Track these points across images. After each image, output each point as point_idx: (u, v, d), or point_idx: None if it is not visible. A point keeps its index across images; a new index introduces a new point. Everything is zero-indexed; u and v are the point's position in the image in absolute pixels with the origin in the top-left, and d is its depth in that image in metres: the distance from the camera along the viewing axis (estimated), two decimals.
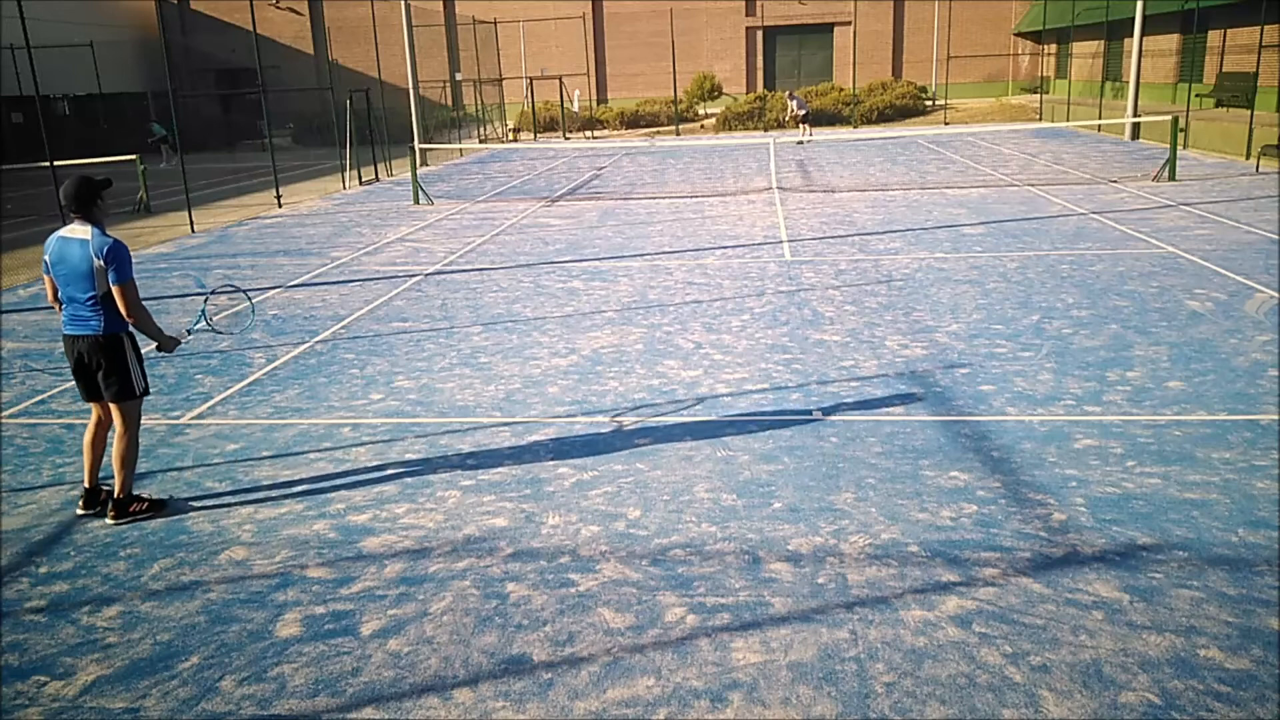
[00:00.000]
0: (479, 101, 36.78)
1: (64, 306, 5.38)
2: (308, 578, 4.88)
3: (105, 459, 5.78)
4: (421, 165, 23.65)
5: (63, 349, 5.50)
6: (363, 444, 6.63)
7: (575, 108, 39.84)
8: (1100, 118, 28.73)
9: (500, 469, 6.13)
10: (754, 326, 9.23)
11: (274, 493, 5.90)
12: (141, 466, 6.38)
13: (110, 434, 5.64)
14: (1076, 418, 6.55)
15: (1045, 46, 42.47)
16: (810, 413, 6.88)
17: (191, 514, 5.66)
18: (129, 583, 4.90)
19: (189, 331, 6.05)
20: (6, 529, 5.59)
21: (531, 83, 38.41)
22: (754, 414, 6.90)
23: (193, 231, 17.01)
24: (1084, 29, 35.45)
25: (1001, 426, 6.45)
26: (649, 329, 9.30)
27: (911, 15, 43.66)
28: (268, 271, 13.10)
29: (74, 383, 5.62)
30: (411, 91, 25.46)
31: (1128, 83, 26.48)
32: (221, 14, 42.73)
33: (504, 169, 26.69)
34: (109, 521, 5.55)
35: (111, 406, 5.46)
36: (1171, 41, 31.09)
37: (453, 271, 12.57)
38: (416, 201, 19.64)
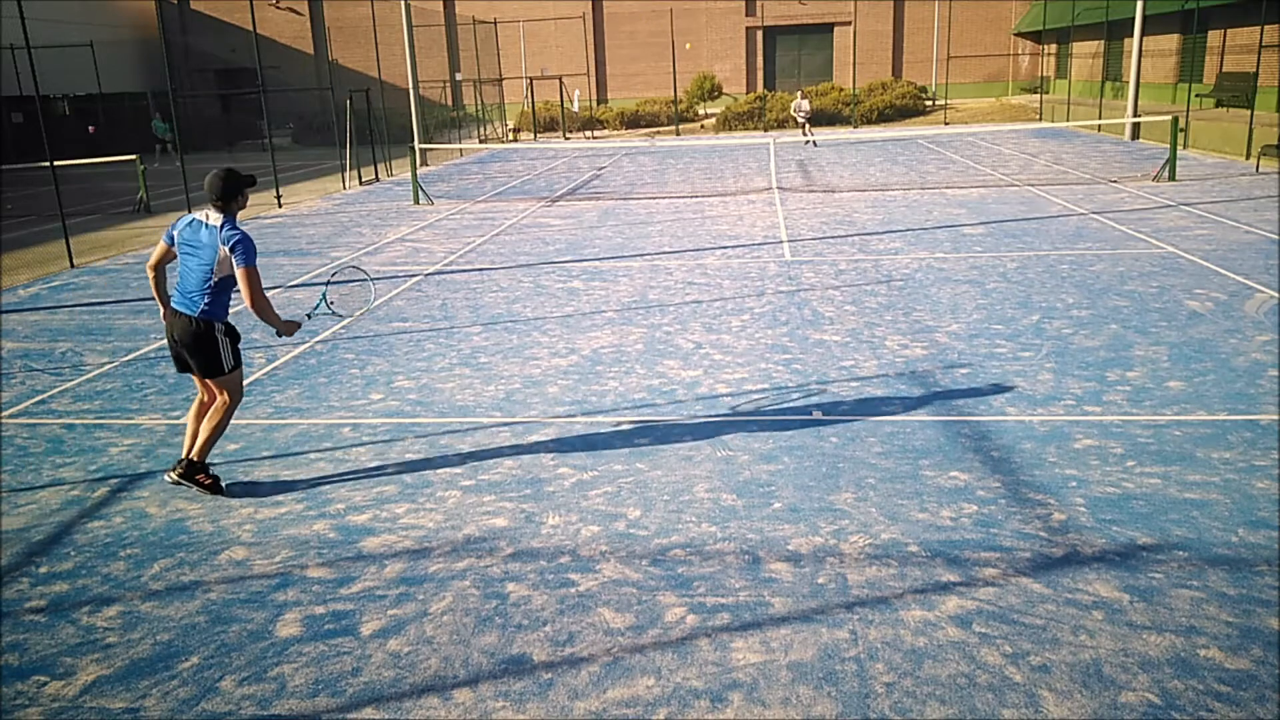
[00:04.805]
0: (479, 101, 36.78)
1: (178, 283, 5.58)
2: (308, 578, 4.88)
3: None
4: (421, 165, 23.64)
5: (165, 321, 5.70)
6: (363, 444, 6.63)
7: (575, 108, 39.83)
8: (1100, 118, 28.74)
9: (500, 469, 6.13)
10: (754, 326, 9.23)
11: (274, 493, 5.90)
12: (141, 467, 6.39)
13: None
14: (1076, 418, 6.55)
15: (1045, 46, 42.47)
16: (810, 413, 6.88)
17: (191, 514, 5.66)
18: (129, 583, 4.90)
19: (309, 315, 6.14)
20: (6, 529, 5.59)
21: (531, 83, 38.42)
22: (754, 414, 6.90)
23: None
24: (1084, 29, 35.46)
25: (1001, 426, 6.45)
26: (649, 329, 9.30)
27: (911, 15, 43.66)
28: (268, 271, 13.10)
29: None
30: (411, 91, 25.47)
31: (1128, 83, 26.48)
32: (221, 14, 42.73)
33: (504, 169, 26.69)
34: (170, 477, 5.79)
35: (208, 381, 5.71)
36: (1171, 41, 31.10)
37: (453, 271, 12.57)
38: (416, 201, 19.64)
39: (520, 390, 7.64)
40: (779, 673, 3.95)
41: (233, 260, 5.38)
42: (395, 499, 5.75)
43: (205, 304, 5.51)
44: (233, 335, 5.67)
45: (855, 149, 27.59)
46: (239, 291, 5.53)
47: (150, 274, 5.74)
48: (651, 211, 17.30)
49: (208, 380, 5.71)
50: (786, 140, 29.40)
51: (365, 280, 6.39)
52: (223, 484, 5.89)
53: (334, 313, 6.24)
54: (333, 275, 6.14)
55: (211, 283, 5.48)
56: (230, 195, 5.46)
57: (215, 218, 5.48)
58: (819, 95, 38.49)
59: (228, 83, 42.87)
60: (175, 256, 5.63)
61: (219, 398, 5.73)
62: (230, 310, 5.71)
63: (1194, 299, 9.53)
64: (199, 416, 5.89)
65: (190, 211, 5.73)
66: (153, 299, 9.05)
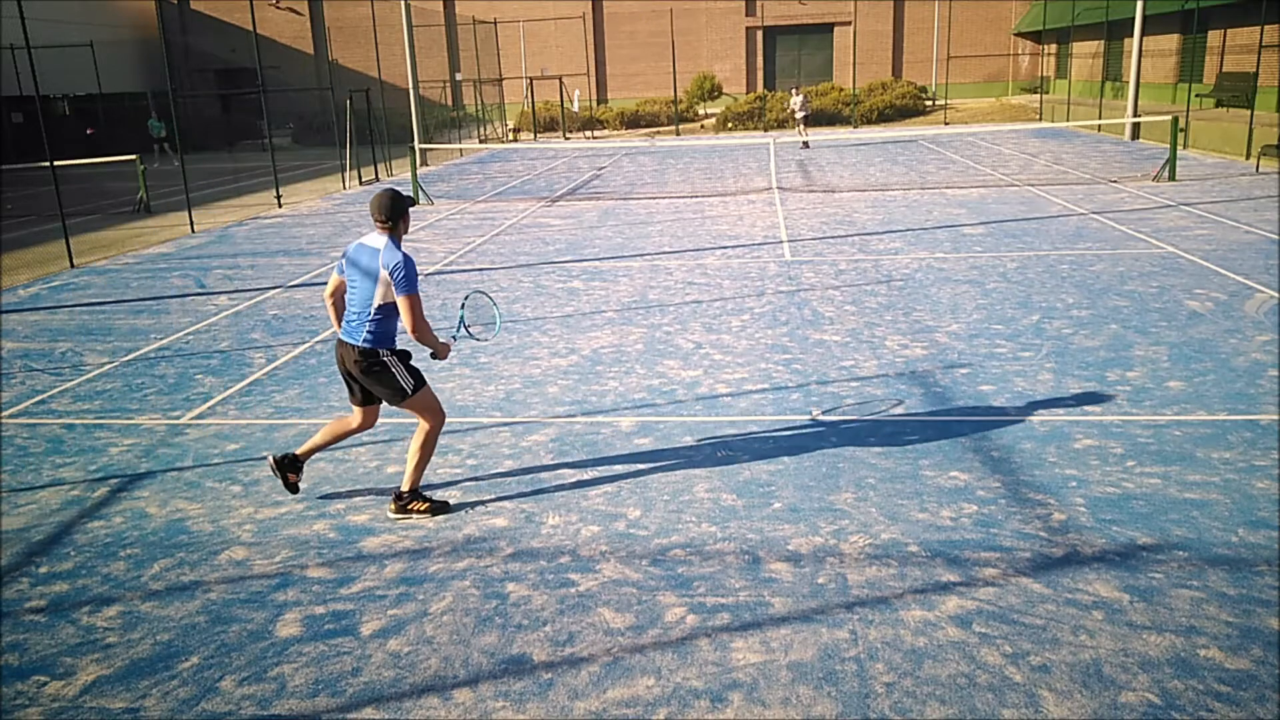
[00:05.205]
0: (479, 101, 36.78)
1: (345, 311, 5.37)
2: (308, 578, 4.88)
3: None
4: (421, 165, 23.65)
5: (333, 352, 5.52)
6: (363, 444, 6.62)
7: (575, 108, 39.84)
8: (1100, 118, 28.74)
9: (500, 469, 6.13)
10: (754, 326, 9.23)
11: (274, 493, 5.90)
12: (141, 467, 6.39)
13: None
14: (1076, 418, 6.55)
15: (1045, 46, 42.47)
16: (810, 413, 6.88)
17: (191, 514, 5.66)
18: (129, 583, 4.90)
19: (454, 337, 5.82)
20: (6, 529, 5.59)
21: (531, 83, 38.42)
22: (754, 414, 6.90)
23: (193, 231, 17.01)
24: (1084, 29, 35.46)
25: (1001, 426, 6.45)
26: (649, 329, 9.30)
27: (911, 15, 43.66)
28: (268, 271, 13.10)
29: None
30: (411, 91, 25.47)
31: (1128, 83, 26.48)
32: (221, 14, 42.74)
33: (504, 169, 26.69)
34: (389, 511, 5.53)
35: (407, 409, 5.46)
36: (1171, 41, 31.10)
37: (453, 271, 12.57)
38: (416, 201, 19.63)
39: (520, 390, 7.64)
40: (779, 673, 3.95)
41: (393, 287, 5.12)
42: None
43: (369, 331, 5.23)
44: (403, 357, 5.37)
45: (855, 149, 27.59)
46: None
47: (328, 304, 5.50)
48: (651, 211, 17.30)
49: (405, 408, 5.42)
50: (786, 140, 29.39)
51: (492, 305, 6.18)
52: (446, 500, 5.66)
53: (470, 335, 5.98)
54: (464, 300, 5.94)
55: (374, 309, 5.20)
56: (395, 216, 5.19)
57: (379, 240, 5.20)
58: (819, 95, 38.46)
59: (228, 83, 42.89)
60: (345, 285, 5.40)
61: (420, 422, 5.46)
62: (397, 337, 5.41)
63: (1194, 299, 9.53)
64: (334, 434, 5.68)
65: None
66: (148, 300, 9.06)
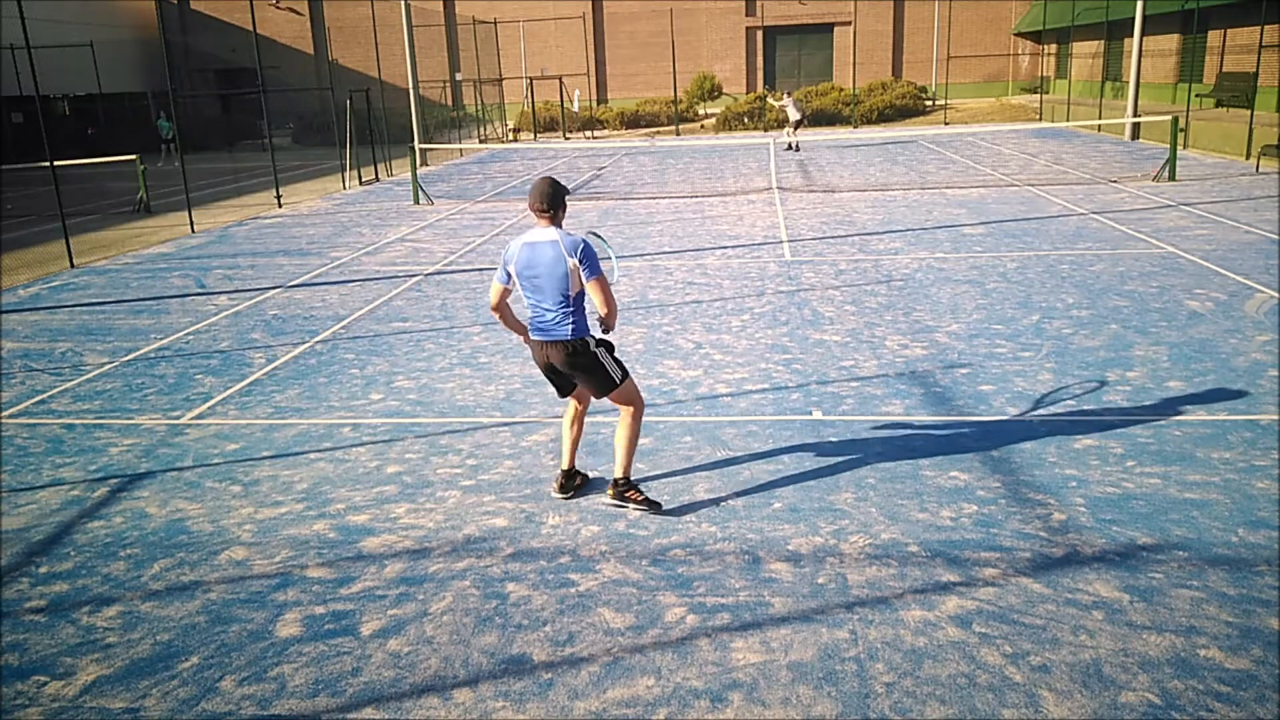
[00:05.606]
0: (479, 101, 36.78)
1: (531, 313, 5.27)
2: (308, 578, 4.88)
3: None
4: (421, 165, 23.65)
5: (530, 352, 5.43)
6: (363, 444, 6.63)
7: (575, 108, 39.84)
8: (1100, 118, 28.73)
9: (500, 469, 6.13)
10: (754, 326, 9.23)
11: (274, 493, 5.90)
12: (141, 467, 6.39)
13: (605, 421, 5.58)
14: (1076, 418, 6.55)
15: (1045, 46, 42.48)
16: (810, 413, 6.88)
17: (191, 514, 5.67)
18: (129, 583, 4.90)
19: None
20: (6, 529, 5.59)
21: (531, 83, 38.42)
22: (754, 414, 6.90)
23: (193, 231, 17.01)
24: (1084, 29, 35.46)
25: (1001, 426, 6.45)
26: (649, 329, 9.30)
27: (911, 15, 43.66)
28: (268, 271, 13.11)
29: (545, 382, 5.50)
30: (411, 91, 25.47)
31: (1128, 83, 26.48)
32: (221, 14, 42.75)
33: (504, 169, 26.69)
34: (607, 498, 5.46)
35: (611, 400, 5.40)
36: (1171, 41, 31.10)
37: (453, 271, 12.57)
38: (416, 201, 19.64)
39: (520, 390, 7.64)
40: (779, 673, 3.95)
41: (582, 273, 5.08)
42: (395, 499, 5.75)
43: (572, 324, 5.17)
44: (607, 346, 5.32)
45: (855, 149, 27.58)
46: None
47: (496, 315, 5.43)
48: (651, 211, 17.30)
49: (610, 399, 5.37)
50: (786, 141, 29.37)
51: (606, 246, 6.01)
52: (659, 501, 5.50)
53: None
54: (600, 240, 5.73)
55: (570, 299, 5.14)
56: (558, 204, 5.15)
57: (548, 232, 5.13)
58: (819, 95, 38.43)
59: (228, 83, 42.89)
60: (510, 292, 5.33)
61: (623, 411, 5.40)
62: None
63: (1194, 299, 9.53)
64: (574, 427, 5.64)
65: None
66: (148, 300, 9.05)
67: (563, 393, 5.56)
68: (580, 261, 5.08)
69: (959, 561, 4.75)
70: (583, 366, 5.25)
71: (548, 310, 5.19)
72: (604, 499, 5.51)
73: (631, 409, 5.39)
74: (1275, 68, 24.23)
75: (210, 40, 42.37)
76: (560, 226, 5.20)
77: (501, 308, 5.39)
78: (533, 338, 5.31)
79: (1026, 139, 28.58)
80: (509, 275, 5.25)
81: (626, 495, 5.44)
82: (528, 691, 3.91)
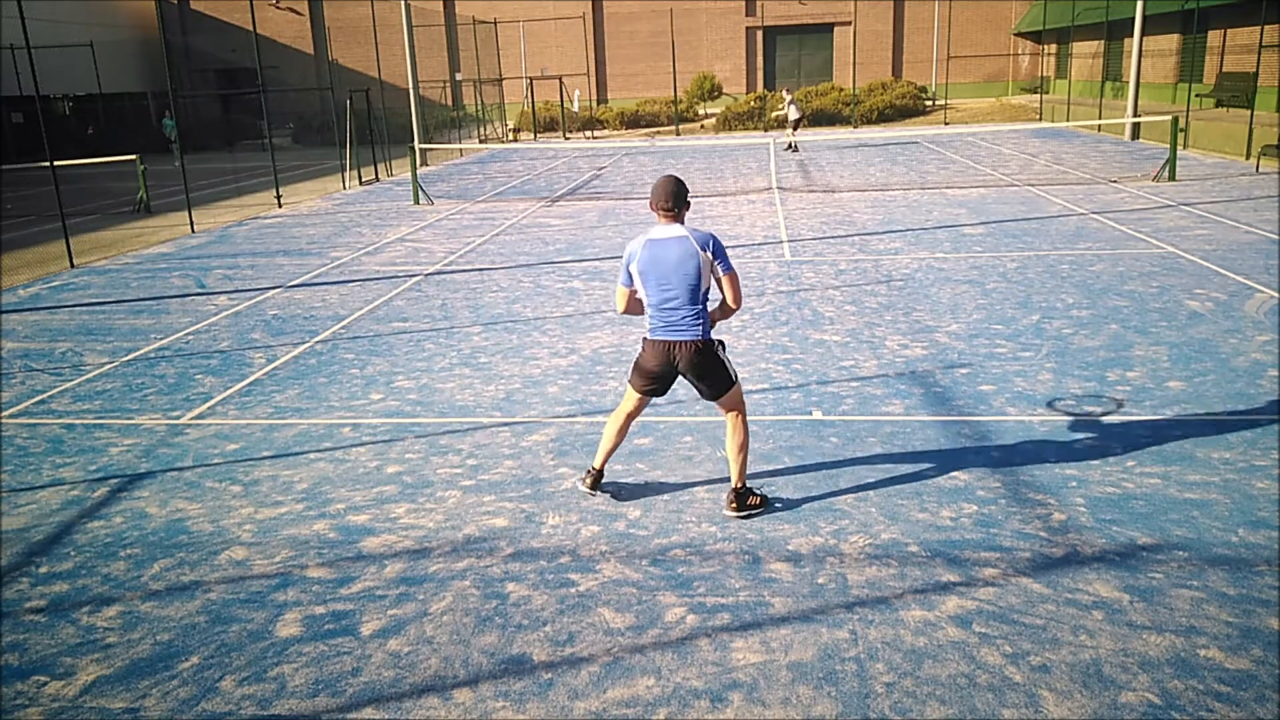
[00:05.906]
0: (479, 101, 36.78)
1: (654, 313, 5.14)
2: (308, 578, 4.88)
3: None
4: (421, 165, 23.65)
5: (646, 353, 5.24)
6: (363, 444, 6.63)
7: (575, 108, 39.84)
8: (1100, 118, 28.74)
9: (500, 469, 6.13)
10: (754, 326, 9.23)
11: (274, 493, 5.90)
12: (141, 467, 6.39)
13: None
14: (1076, 418, 6.55)
15: (1045, 46, 42.47)
16: (810, 413, 6.88)
17: (191, 514, 5.67)
18: (129, 583, 4.90)
19: None
20: (6, 529, 5.59)
21: (531, 83, 38.42)
22: (754, 414, 6.90)
23: (193, 231, 17.01)
24: (1084, 29, 35.46)
25: (1001, 426, 6.45)
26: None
27: (911, 15, 43.66)
28: (268, 271, 13.10)
29: (635, 377, 5.35)
30: (411, 91, 25.47)
31: (1128, 83, 26.48)
32: (221, 14, 42.75)
33: (504, 169, 26.69)
34: (728, 513, 5.31)
35: (717, 405, 5.34)
36: (1171, 41, 31.10)
37: (453, 271, 12.57)
38: (416, 201, 19.64)
39: (520, 390, 7.64)
40: (779, 673, 3.95)
41: (718, 267, 5.03)
42: (395, 499, 5.75)
43: (701, 324, 5.09)
44: (724, 346, 5.29)
45: (855, 149, 27.58)
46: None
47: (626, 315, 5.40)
48: (651, 212, 17.27)
49: (719, 402, 5.28)
50: (786, 141, 29.35)
51: None
52: (773, 497, 5.51)
53: None
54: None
55: (701, 295, 5.06)
56: (682, 201, 5.11)
57: (672, 229, 5.08)
58: (819, 95, 38.42)
59: (228, 83, 42.89)
60: (636, 294, 5.23)
61: (731, 421, 5.31)
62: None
63: (1194, 299, 9.53)
64: (621, 431, 5.51)
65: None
66: (148, 300, 9.05)
67: (657, 394, 5.42)
68: (714, 255, 5.04)
69: (959, 561, 4.75)
70: (707, 367, 5.16)
71: (677, 309, 5.09)
72: (727, 512, 5.34)
73: (736, 413, 5.31)
74: (1275, 68, 24.23)
75: (210, 40, 42.38)
76: (683, 222, 5.16)
77: (631, 309, 5.31)
78: (656, 338, 5.16)
79: (1026, 139, 28.58)
80: (631, 276, 5.18)
81: (749, 502, 5.35)
82: (528, 691, 3.91)
